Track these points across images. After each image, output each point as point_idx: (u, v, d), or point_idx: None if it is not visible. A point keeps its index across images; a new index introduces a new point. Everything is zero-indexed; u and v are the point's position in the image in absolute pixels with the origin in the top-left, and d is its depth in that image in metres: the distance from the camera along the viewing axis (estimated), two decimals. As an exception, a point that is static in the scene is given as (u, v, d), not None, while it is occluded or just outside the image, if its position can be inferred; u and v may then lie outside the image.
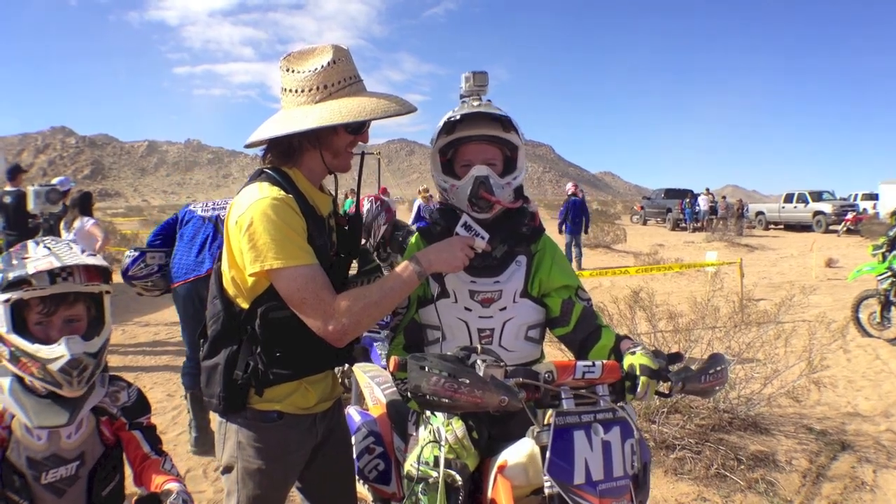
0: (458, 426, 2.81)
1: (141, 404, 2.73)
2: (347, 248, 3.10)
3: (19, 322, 2.35)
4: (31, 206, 10.22)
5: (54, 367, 2.32)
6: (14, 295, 2.30)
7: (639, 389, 2.53)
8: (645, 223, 49.88)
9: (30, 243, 2.50)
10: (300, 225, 2.70)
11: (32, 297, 2.35)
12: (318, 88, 2.81)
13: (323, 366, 3.00)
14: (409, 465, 2.88)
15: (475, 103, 3.00)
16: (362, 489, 3.75)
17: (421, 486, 2.78)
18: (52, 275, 2.36)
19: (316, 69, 2.81)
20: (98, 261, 2.50)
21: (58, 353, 2.34)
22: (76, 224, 10.05)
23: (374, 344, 5.63)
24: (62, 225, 10.49)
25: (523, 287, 3.10)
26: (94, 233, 10.13)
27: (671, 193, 47.33)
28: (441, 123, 3.02)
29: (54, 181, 12.56)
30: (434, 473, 2.75)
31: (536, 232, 3.15)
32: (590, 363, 2.53)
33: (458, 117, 2.93)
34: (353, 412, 3.82)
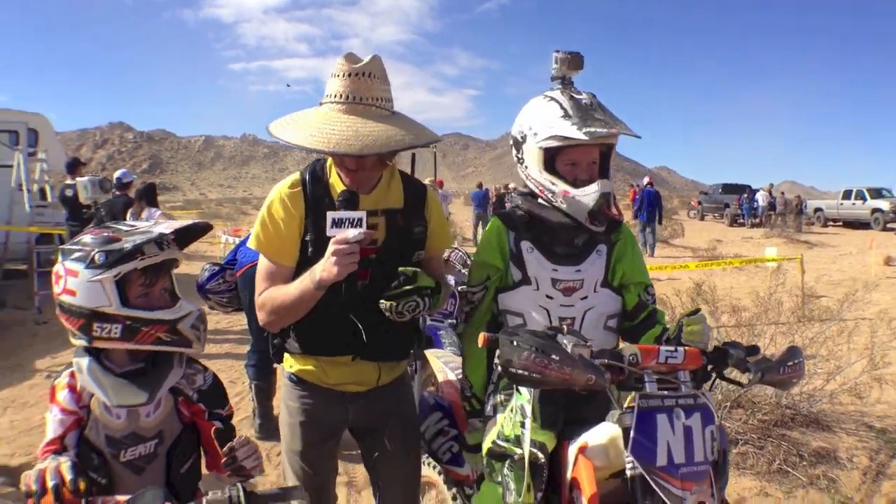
0: (534, 407, 2.81)
1: (216, 389, 2.77)
2: (397, 249, 3.02)
3: (122, 297, 2.38)
4: (82, 197, 10.42)
5: (185, 325, 2.41)
6: (126, 267, 2.34)
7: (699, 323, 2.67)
8: (702, 218, 49.26)
9: (110, 225, 2.55)
10: (290, 220, 2.92)
11: (136, 270, 2.39)
12: (325, 94, 2.89)
13: (334, 352, 3.07)
14: (491, 443, 2.92)
15: (584, 100, 2.95)
16: (432, 472, 3.82)
17: (507, 462, 2.80)
18: (159, 243, 2.43)
19: (335, 73, 2.85)
20: (186, 222, 2.61)
21: (185, 311, 2.44)
22: (144, 215, 10.26)
23: (439, 332, 5.69)
24: (129, 216, 10.71)
25: (604, 277, 3.12)
26: (162, 223, 10.34)
27: (728, 188, 46.75)
28: (555, 127, 2.91)
29: (116, 174, 12.80)
30: (518, 450, 2.77)
31: (616, 221, 3.14)
32: (672, 349, 2.57)
33: (584, 137, 2.83)
34: (426, 396, 3.89)
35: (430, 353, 4.58)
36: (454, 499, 3.63)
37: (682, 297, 7.83)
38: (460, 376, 3.46)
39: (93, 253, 2.32)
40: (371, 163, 2.88)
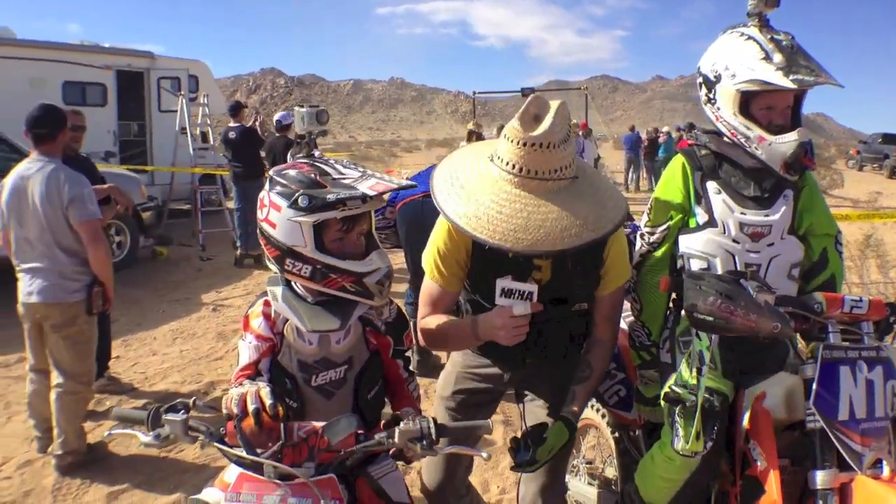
0: (714, 354, 2.75)
1: (400, 321, 2.78)
2: (560, 292, 2.88)
3: (318, 240, 2.40)
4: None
5: (371, 279, 2.42)
6: (326, 216, 2.34)
7: None
8: (861, 168, 47.10)
9: (319, 164, 2.53)
10: (455, 250, 2.87)
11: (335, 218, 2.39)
12: (496, 154, 2.64)
13: (493, 359, 3.14)
14: (668, 388, 2.83)
15: (784, 42, 2.81)
16: (594, 414, 3.82)
17: (678, 408, 2.72)
18: (362, 198, 2.40)
19: (508, 136, 2.56)
20: (391, 185, 2.56)
21: (374, 266, 2.44)
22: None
23: None
24: (289, 156, 10.99)
25: (791, 224, 2.97)
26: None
27: (889, 139, 44.37)
28: (757, 70, 2.78)
29: (276, 116, 13.19)
30: (692, 397, 2.69)
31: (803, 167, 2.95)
32: (857, 298, 2.49)
33: (791, 86, 2.71)
34: None
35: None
36: (618, 442, 3.62)
37: (851, 248, 7.56)
38: (629, 319, 3.42)
39: (297, 194, 2.34)
40: None
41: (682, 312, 2.98)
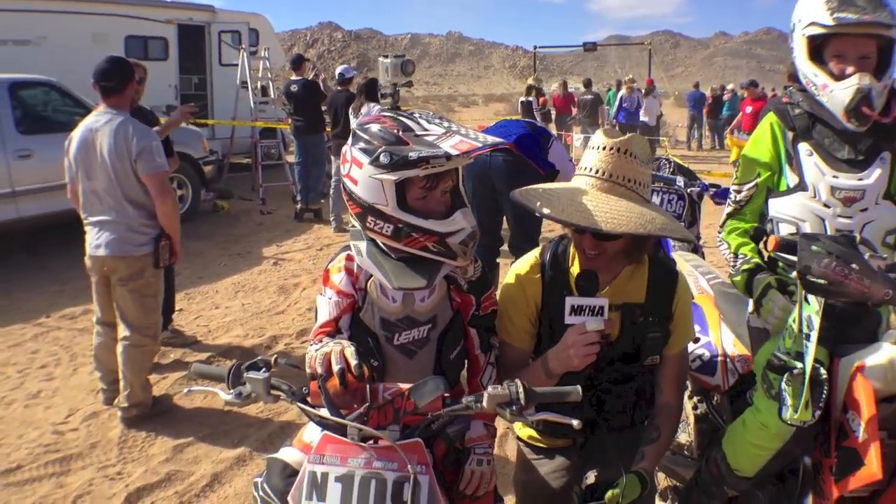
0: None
1: (483, 280, 2.69)
2: (630, 347, 2.74)
3: (400, 197, 2.32)
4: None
5: (454, 240, 2.34)
6: (409, 174, 2.24)
7: None
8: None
9: (402, 118, 2.41)
10: (523, 305, 2.75)
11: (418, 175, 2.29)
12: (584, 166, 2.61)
13: (555, 434, 2.94)
14: (770, 354, 2.72)
15: None
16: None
17: (785, 376, 2.60)
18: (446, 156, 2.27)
19: (593, 145, 2.57)
20: (477, 144, 2.46)
21: (458, 226, 2.35)
22: (363, 109, 10.43)
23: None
24: (350, 110, 10.95)
25: (887, 188, 2.82)
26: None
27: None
28: (813, 14, 2.69)
29: (338, 70, 13.13)
30: (798, 364, 2.57)
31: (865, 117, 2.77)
32: None
33: (831, 23, 2.62)
34: None
35: (679, 257, 4.41)
36: (695, 408, 3.54)
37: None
38: (713, 281, 3.30)
39: (379, 151, 2.25)
40: (613, 250, 2.60)
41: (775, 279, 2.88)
